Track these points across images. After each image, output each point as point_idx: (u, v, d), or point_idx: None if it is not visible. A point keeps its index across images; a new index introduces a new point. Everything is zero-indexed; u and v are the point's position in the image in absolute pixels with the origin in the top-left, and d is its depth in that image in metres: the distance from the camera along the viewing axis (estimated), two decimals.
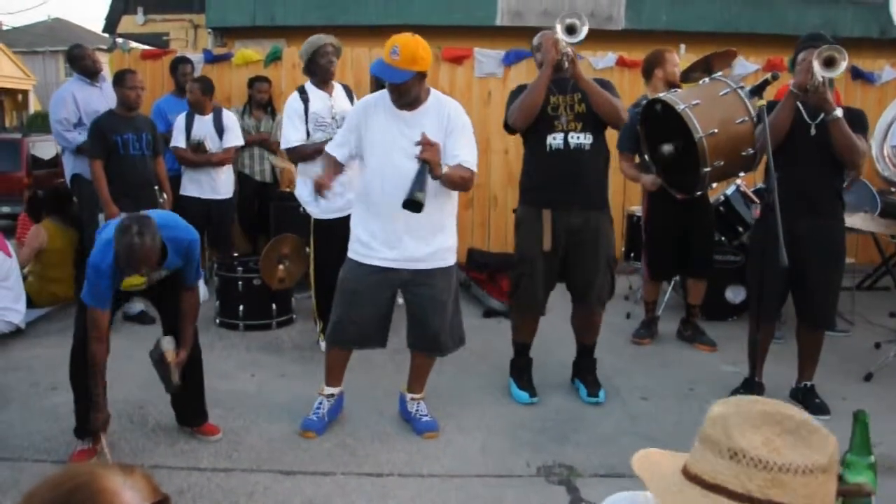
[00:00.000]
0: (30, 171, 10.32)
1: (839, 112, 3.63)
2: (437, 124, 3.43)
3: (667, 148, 4.19)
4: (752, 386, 3.53)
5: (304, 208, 4.77)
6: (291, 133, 4.67)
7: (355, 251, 3.60)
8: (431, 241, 3.52)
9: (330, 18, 8.50)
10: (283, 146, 4.80)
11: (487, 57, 7.25)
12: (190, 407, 3.63)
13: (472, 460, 3.48)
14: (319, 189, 3.47)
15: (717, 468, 1.10)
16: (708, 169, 4.11)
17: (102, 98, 5.63)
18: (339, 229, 4.08)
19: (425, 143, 3.24)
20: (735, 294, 5.68)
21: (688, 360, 4.91)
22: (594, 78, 3.92)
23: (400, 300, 3.72)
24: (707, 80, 4.60)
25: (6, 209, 10.13)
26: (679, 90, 4.65)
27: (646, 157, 4.76)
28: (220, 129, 5.90)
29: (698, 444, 1.16)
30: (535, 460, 3.47)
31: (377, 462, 3.43)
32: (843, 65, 3.49)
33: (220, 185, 5.97)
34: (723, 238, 5.62)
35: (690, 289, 5.19)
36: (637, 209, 5.72)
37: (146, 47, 8.95)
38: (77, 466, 1.19)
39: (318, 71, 4.79)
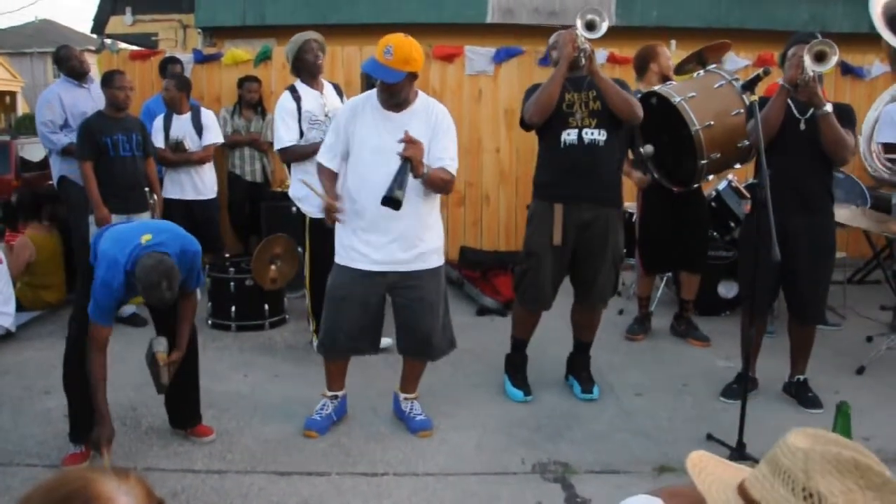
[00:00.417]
0: (19, 173, 10.25)
1: (829, 107, 3.63)
2: (425, 126, 3.42)
3: (648, 149, 4.19)
4: (745, 380, 3.53)
5: (296, 207, 4.75)
6: (284, 133, 4.62)
7: (341, 256, 3.59)
8: (418, 244, 3.51)
9: (320, 17, 8.47)
10: (276, 147, 4.73)
11: (478, 55, 7.24)
12: (183, 409, 3.61)
13: (468, 458, 3.48)
14: (331, 214, 3.46)
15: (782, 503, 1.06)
16: (705, 161, 4.12)
17: (90, 99, 5.59)
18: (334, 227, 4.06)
19: (408, 141, 3.23)
20: (727, 289, 5.69)
21: (681, 355, 4.92)
22: (612, 79, 3.91)
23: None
24: (702, 72, 4.61)
25: None
26: (674, 83, 4.65)
27: (640, 151, 4.77)
28: (198, 128, 5.86)
29: (766, 469, 1.12)
30: (530, 457, 3.47)
31: (372, 461, 3.43)
32: (834, 59, 3.50)
33: (202, 185, 5.92)
34: (715, 233, 5.63)
35: (684, 283, 5.20)
36: (630, 205, 5.72)
37: (135, 48, 8.90)
38: (71, 472, 1.18)
39: (306, 67, 4.74)
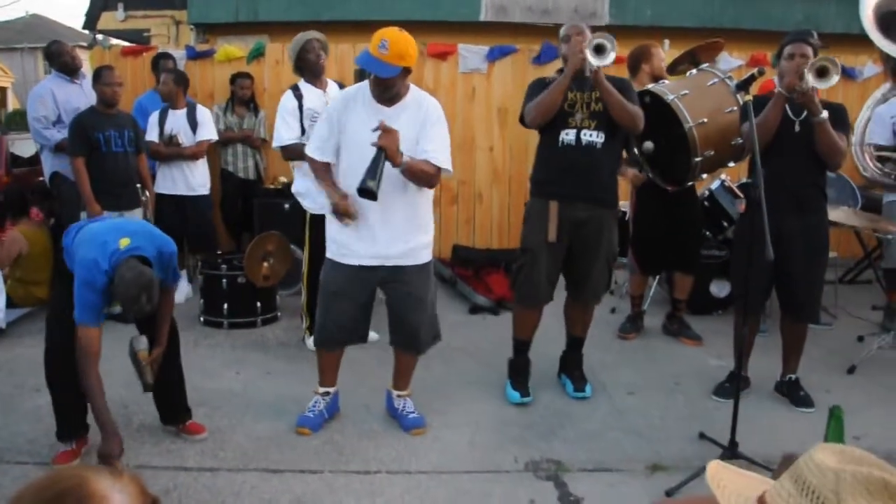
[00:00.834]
0: (9, 169, 10.19)
1: (825, 114, 3.64)
2: (415, 119, 3.41)
3: (648, 145, 4.20)
4: (738, 379, 3.53)
5: (289, 204, 4.74)
6: (284, 131, 4.64)
7: (332, 251, 3.60)
8: (407, 239, 3.51)
9: (314, 14, 8.45)
10: (275, 144, 4.75)
11: (472, 53, 7.23)
12: (172, 405, 3.59)
13: (460, 456, 3.48)
14: (345, 216, 3.44)
15: None
16: (699, 159, 4.13)
17: (82, 95, 5.57)
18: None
19: (383, 130, 3.21)
20: (720, 288, 5.70)
21: (674, 354, 4.93)
22: (612, 77, 3.89)
23: (381, 296, 3.72)
24: (694, 71, 4.61)
25: None
26: (667, 82, 4.66)
27: (634, 150, 4.77)
28: (193, 124, 5.83)
29: (791, 486, 1.10)
30: (523, 456, 3.47)
31: (365, 459, 3.42)
32: (836, 78, 3.52)
33: (193, 181, 5.87)
34: (707, 233, 5.64)
35: (677, 283, 5.21)
36: (624, 204, 5.72)
37: (127, 44, 8.86)
38: (63, 470, 1.17)
39: (307, 67, 4.77)
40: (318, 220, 4.54)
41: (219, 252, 5.80)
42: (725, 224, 5.54)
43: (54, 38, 6.23)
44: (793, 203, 3.82)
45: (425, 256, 3.62)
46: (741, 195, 5.44)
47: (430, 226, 3.67)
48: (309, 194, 4.63)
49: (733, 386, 3.58)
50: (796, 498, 1.07)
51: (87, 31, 11.77)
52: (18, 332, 5.13)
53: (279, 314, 5.52)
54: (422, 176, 3.39)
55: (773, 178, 3.64)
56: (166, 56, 6.66)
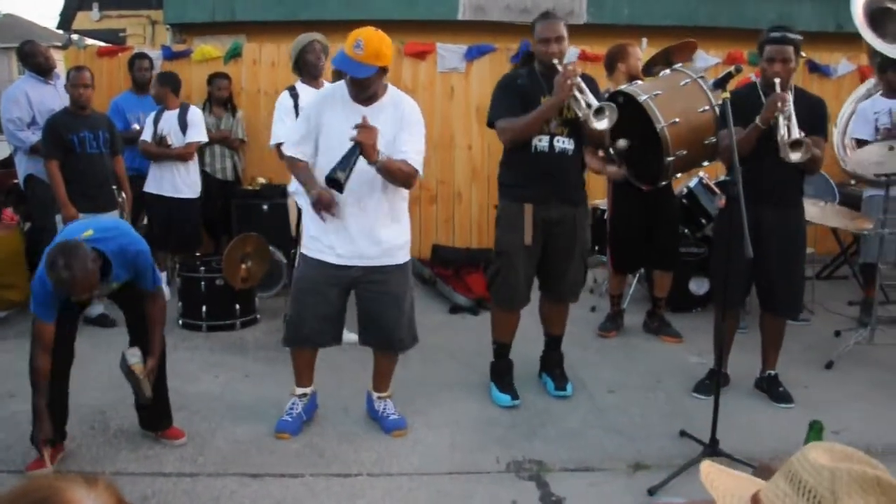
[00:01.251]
0: None
1: (802, 135, 3.68)
2: (393, 119, 3.40)
3: (622, 143, 4.21)
4: (718, 376, 3.55)
5: (267, 205, 4.71)
6: (279, 130, 4.66)
7: (307, 247, 3.59)
8: (384, 239, 3.49)
9: (291, 14, 8.39)
10: (271, 142, 4.77)
11: (450, 52, 7.22)
12: (154, 411, 3.54)
13: (442, 457, 3.47)
14: (327, 210, 3.40)
15: None
16: (671, 158, 4.13)
17: (57, 96, 5.49)
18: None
19: (363, 126, 3.20)
20: (699, 286, 5.73)
21: (654, 352, 4.95)
22: (584, 75, 3.87)
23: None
24: (668, 71, 4.62)
25: None
26: (640, 82, 4.67)
27: (610, 150, 4.77)
28: (183, 125, 5.79)
29: (785, 486, 1.11)
30: (505, 456, 3.47)
31: (346, 462, 3.40)
32: (809, 154, 3.59)
33: (181, 183, 5.83)
34: (686, 230, 5.67)
35: (656, 281, 5.23)
36: (602, 202, 5.73)
37: (102, 44, 8.76)
38: (37, 479, 1.14)
39: (307, 68, 4.83)
40: None
41: (197, 254, 5.74)
42: (704, 221, 5.57)
43: (28, 38, 6.13)
44: (770, 199, 3.86)
45: (402, 256, 3.60)
46: (719, 192, 5.47)
47: (407, 226, 3.65)
48: (303, 192, 4.62)
49: (713, 383, 3.59)
50: (792, 497, 1.08)
51: (61, 32, 11.62)
52: None
53: (258, 316, 5.48)
54: (399, 175, 3.37)
55: (750, 175, 3.66)
56: (142, 56, 6.59)
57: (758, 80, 4.01)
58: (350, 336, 3.91)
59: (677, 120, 4.00)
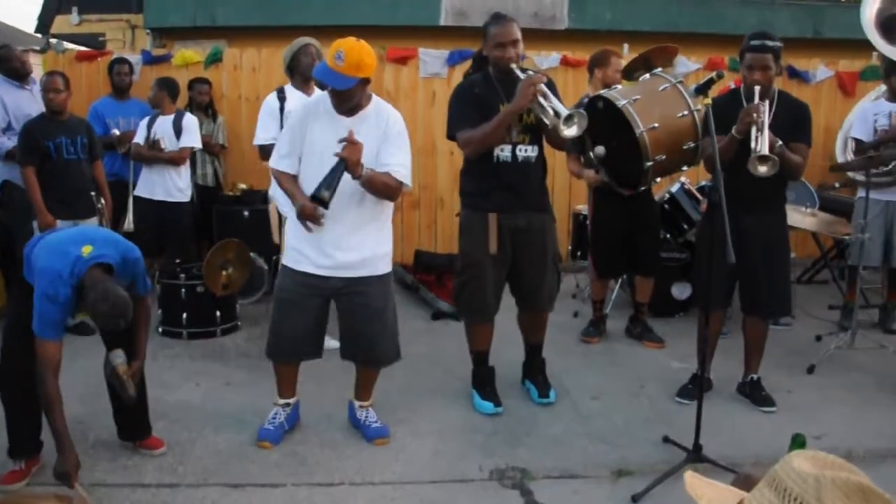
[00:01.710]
0: None
1: (779, 143, 3.70)
2: (376, 131, 3.36)
3: (599, 150, 4.22)
4: (701, 382, 3.55)
5: (247, 211, 4.68)
6: (262, 131, 4.66)
7: (288, 258, 3.55)
8: (364, 249, 3.45)
9: (273, 19, 8.36)
10: (255, 142, 4.76)
11: (432, 57, 7.22)
12: (132, 420, 3.49)
13: (425, 466, 3.44)
14: (312, 220, 3.35)
15: None
16: (650, 163, 4.14)
17: (33, 101, 5.42)
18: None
19: (349, 142, 3.17)
20: (681, 291, 5.75)
21: (637, 357, 4.95)
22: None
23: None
24: (647, 75, 4.64)
25: None
26: (619, 87, 4.68)
27: (590, 154, 4.78)
28: (178, 130, 5.75)
29: (770, 495, 1.12)
30: (488, 464, 3.45)
31: (328, 471, 3.37)
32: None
33: (173, 187, 5.78)
34: (668, 235, 5.68)
35: (638, 286, 5.23)
36: (583, 208, 5.74)
37: (82, 48, 8.68)
38: (8, 497, 1.11)
39: (300, 70, 4.78)
40: None
41: (177, 261, 5.68)
42: (686, 227, 5.58)
43: (4, 42, 6.06)
44: (753, 204, 3.86)
45: (384, 267, 3.56)
46: (701, 197, 5.49)
47: (389, 236, 3.61)
48: (284, 198, 4.60)
49: (696, 388, 3.59)
50: None
51: (39, 35, 11.51)
52: None
53: (239, 323, 5.44)
54: (383, 189, 3.35)
55: (733, 181, 3.69)
56: (122, 61, 6.52)
57: (740, 87, 4.03)
58: (332, 343, 3.89)
59: (656, 125, 4.01)
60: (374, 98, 3.48)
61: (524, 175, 3.84)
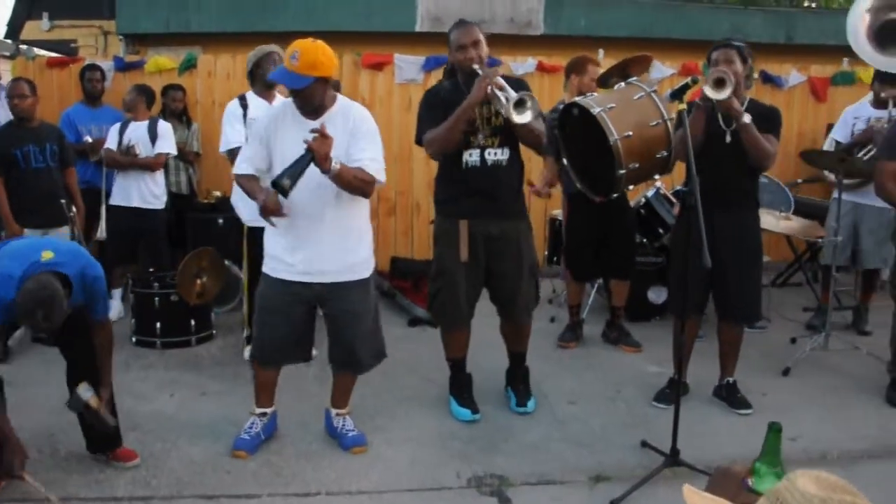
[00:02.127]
0: None
1: (747, 118, 3.70)
2: (343, 130, 3.32)
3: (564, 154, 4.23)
4: (678, 386, 3.56)
5: (222, 219, 4.65)
6: (231, 135, 4.62)
7: (268, 265, 3.52)
8: (345, 255, 3.43)
9: (247, 25, 8.30)
10: (222, 148, 4.73)
11: (407, 63, 7.21)
12: (102, 434, 3.43)
13: (402, 474, 3.42)
14: (275, 214, 3.30)
15: None
16: (623, 171, 4.15)
17: (2, 108, 5.35)
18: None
19: (320, 133, 3.11)
20: (657, 295, 5.77)
21: (614, 362, 4.96)
22: (508, 77, 3.76)
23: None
24: (622, 84, 4.66)
25: None
26: (595, 94, 4.69)
27: (564, 161, 4.79)
28: (153, 136, 5.69)
29: None
30: (466, 471, 3.43)
31: (304, 481, 3.33)
32: (729, 90, 3.59)
33: (148, 194, 5.71)
34: (644, 240, 5.71)
35: (614, 290, 5.24)
36: (559, 213, 5.75)
37: (53, 54, 8.57)
38: None
39: (262, 77, 4.73)
40: (255, 233, 4.46)
41: (150, 269, 5.62)
42: (662, 231, 5.61)
43: None
44: (723, 207, 3.86)
45: (364, 271, 3.54)
46: (675, 201, 5.52)
47: (369, 240, 3.59)
48: (246, 207, 4.59)
49: (673, 392, 3.60)
50: None
51: (9, 41, 11.37)
52: None
53: (214, 332, 5.38)
54: (355, 184, 3.28)
55: (705, 185, 3.69)
56: (94, 68, 6.45)
57: None
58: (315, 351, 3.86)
59: (630, 133, 4.02)
60: (340, 98, 3.45)
61: (495, 179, 3.80)
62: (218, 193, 6.47)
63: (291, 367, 3.81)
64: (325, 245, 3.38)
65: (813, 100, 7.64)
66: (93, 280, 3.13)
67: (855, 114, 5.58)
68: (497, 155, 3.79)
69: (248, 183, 3.46)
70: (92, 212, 5.60)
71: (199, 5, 8.63)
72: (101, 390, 3.23)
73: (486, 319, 4.09)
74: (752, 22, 8.95)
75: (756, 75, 6.65)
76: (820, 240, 5.44)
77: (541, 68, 7.22)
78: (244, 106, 4.69)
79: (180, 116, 6.64)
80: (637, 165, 4.07)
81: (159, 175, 5.82)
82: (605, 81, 5.12)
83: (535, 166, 5.69)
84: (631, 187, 4.69)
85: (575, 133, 3.83)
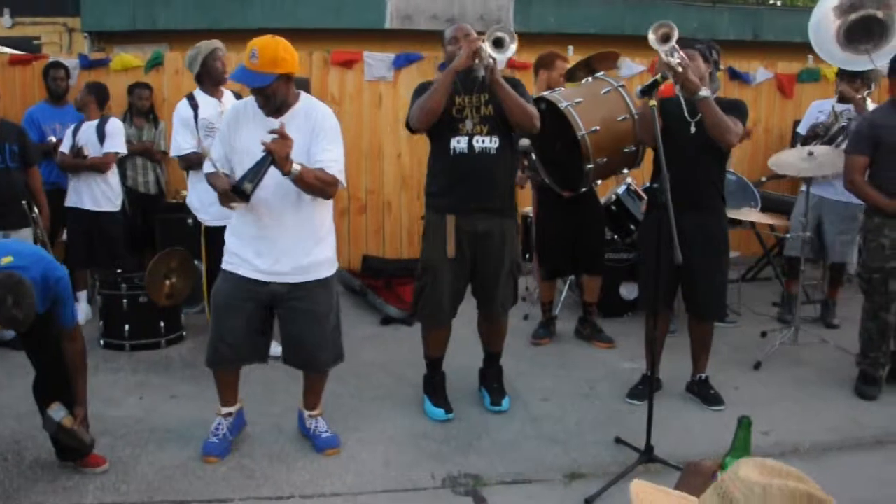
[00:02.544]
0: None
1: (705, 92, 3.65)
2: (305, 129, 3.27)
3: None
4: (651, 383, 3.57)
5: (192, 219, 4.59)
6: (182, 141, 4.57)
7: (226, 261, 3.47)
8: (306, 255, 3.38)
9: (214, 22, 8.22)
10: (173, 153, 4.68)
11: (377, 60, 7.16)
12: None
13: (376, 475, 3.39)
14: (234, 201, 3.23)
15: None
16: (591, 166, 4.17)
17: None
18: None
19: (279, 134, 3.06)
20: (629, 291, 5.79)
21: (587, 358, 4.96)
22: (504, 77, 3.74)
23: None
24: (590, 79, 4.68)
25: None
26: (562, 89, 4.70)
27: (532, 156, 4.79)
28: (101, 136, 5.56)
29: (717, 501, 1.11)
30: (440, 471, 3.41)
31: (277, 484, 3.29)
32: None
33: (101, 195, 5.60)
34: (615, 236, 5.73)
35: (586, 286, 5.26)
36: (529, 210, 5.75)
37: (15, 52, 8.40)
38: None
39: (213, 75, 4.69)
40: (214, 233, 4.41)
41: (118, 270, 5.52)
42: (633, 227, 5.63)
43: None
44: (690, 202, 3.82)
45: (326, 271, 3.48)
46: (645, 197, 5.54)
47: (331, 239, 3.54)
48: (203, 207, 4.60)
49: (646, 389, 3.61)
50: None
51: None
52: None
53: (185, 333, 5.30)
54: (316, 185, 3.22)
55: (671, 179, 3.70)
56: (57, 65, 6.33)
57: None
58: (277, 349, 3.80)
59: (598, 128, 4.03)
60: (304, 95, 3.39)
61: (482, 168, 3.74)
62: (186, 193, 6.37)
63: (263, 367, 3.76)
64: (285, 244, 3.34)
65: (780, 96, 7.73)
66: (56, 282, 3.06)
67: (819, 108, 5.67)
68: (485, 143, 3.74)
69: (214, 178, 3.39)
70: (57, 213, 5.50)
71: (166, 2, 8.53)
72: (75, 409, 3.16)
73: (459, 318, 4.07)
74: (719, 19, 9.04)
75: (723, 68, 6.69)
76: (787, 235, 5.49)
77: (511, 65, 7.20)
78: (194, 106, 4.63)
79: (147, 115, 6.53)
80: (605, 160, 4.08)
81: (111, 176, 5.68)
82: (571, 76, 5.13)
83: None
84: (599, 182, 4.72)
85: (543, 127, 3.81)
